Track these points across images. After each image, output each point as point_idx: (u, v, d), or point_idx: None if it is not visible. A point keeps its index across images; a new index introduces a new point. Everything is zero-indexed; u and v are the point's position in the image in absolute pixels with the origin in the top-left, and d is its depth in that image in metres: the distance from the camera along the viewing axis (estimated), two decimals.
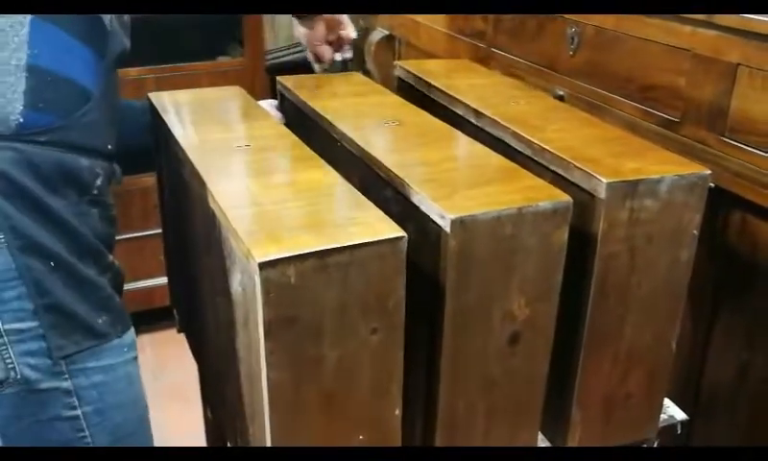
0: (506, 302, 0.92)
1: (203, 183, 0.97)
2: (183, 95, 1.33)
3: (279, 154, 1.08)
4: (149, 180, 1.42)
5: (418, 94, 1.40)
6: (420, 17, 1.95)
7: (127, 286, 2.63)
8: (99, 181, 1.04)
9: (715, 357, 1.28)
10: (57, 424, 1.01)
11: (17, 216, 0.93)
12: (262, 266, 0.76)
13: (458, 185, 0.94)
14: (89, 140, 1.01)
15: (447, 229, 0.85)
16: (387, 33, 2.13)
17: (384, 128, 1.16)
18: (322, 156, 1.05)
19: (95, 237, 1.03)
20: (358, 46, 2.39)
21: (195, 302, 1.25)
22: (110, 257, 1.08)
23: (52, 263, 0.96)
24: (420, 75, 1.40)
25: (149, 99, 1.31)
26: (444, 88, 1.32)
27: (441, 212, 0.86)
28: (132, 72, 2.24)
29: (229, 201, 0.91)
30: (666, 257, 1.02)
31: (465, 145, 1.11)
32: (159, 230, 1.50)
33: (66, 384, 1.00)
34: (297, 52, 2.94)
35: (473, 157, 1.07)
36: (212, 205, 0.93)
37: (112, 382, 1.05)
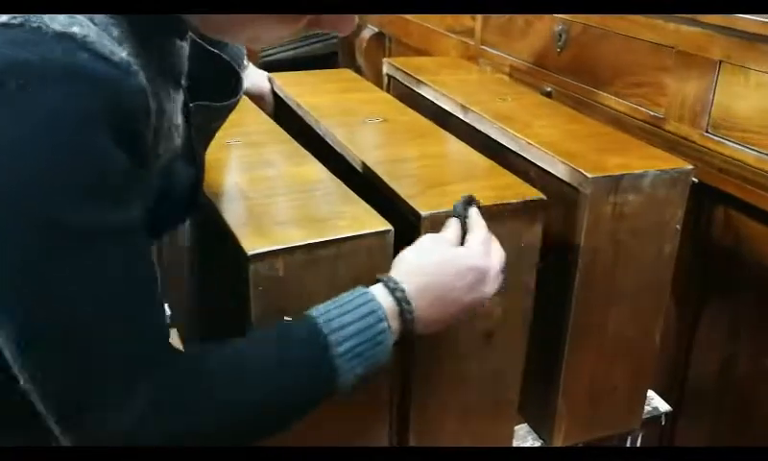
0: None
1: None
2: None
3: (269, 149, 1.09)
4: None
5: (406, 90, 1.42)
6: (409, 15, 1.96)
7: None
8: None
9: (700, 350, 1.30)
10: None
11: None
12: (251, 259, 0.78)
13: (433, 183, 0.96)
14: None
15: (420, 225, 0.86)
16: (377, 30, 2.14)
17: (368, 125, 1.18)
18: (311, 151, 1.06)
19: None
20: (349, 43, 2.40)
21: (187, 296, 1.26)
22: None
23: None
24: (409, 71, 1.42)
25: None
26: (431, 84, 1.34)
27: (412, 209, 0.88)
28: None
29: (220, 195, 0.92)
30: (650, 251, 1.04)
31: (446, 142, 1.12)
32: None
33: None
34: (291, 49, 2.95)
35: (453, 155, 1.09)
36: (203, 198, 0.94)
37: None
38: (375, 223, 0.85)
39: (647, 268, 1.05)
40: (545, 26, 1.47)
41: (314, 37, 2.97)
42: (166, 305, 1.47)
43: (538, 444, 1.14)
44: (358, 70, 2.24)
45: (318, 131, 1.17)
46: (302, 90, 1.33)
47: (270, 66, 2.85)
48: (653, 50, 1.26)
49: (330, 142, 1.12)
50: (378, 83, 1.51)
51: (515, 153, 1.09)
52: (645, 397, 1.17)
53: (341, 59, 2.80)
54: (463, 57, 1.72)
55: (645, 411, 1.19)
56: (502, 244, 0.88)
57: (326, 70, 1.48)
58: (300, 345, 0.69)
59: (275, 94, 1.42)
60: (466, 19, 1.73)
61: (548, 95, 1.47)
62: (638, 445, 1.23)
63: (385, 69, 1.50)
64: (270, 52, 2.96)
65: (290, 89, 1.33)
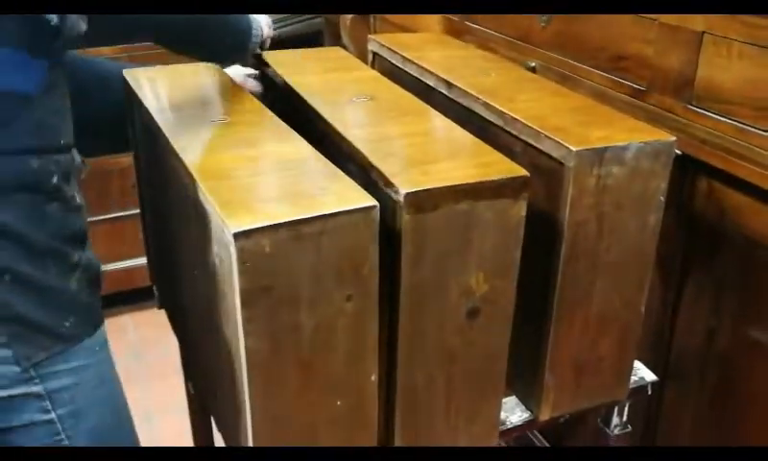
0: (463, 277, 0.94)
1: (178, 158, 0.98)
2: (158, 72, 1.34)
3: (254, 128, 1.09)
4: (126, 160, 1.42)
5: (392, 67, 1.42)
6: None
7: (107, 267, 2.63)
8: (55, 179, 0.98)
9: (684, 321, 1.31)
10: (33, 429, 1.00)
11: None
12: (237, 236, 0.78)
13: (417, 160, 0.96)
14: (36, 140, 0.96)
15: (401, 203, 0.87)
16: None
17: (355, 103, 1.18)
18: (297, 130, 1.06)
19: (55, 238, 0.99)
20: (334, 21, 2.39)
21: (174, 277, 1.26)
22: (77, 255, 1.03)
23: (6, 277, 0.93)
24: (394, 48, 1.41)
25: (123, 76, 1.32)
26: (416, 61, 1.34)
27: (395, 187, 0.88)
28: (106, 51, 2.22)
29: (205, 174, 0.92)
30: (634, 223, 1.05)
31: (431, 120, 1.12)
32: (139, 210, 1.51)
33: (38, 389, 0.98)
34: (280, 27, 2.94)
35: (437, 132, 1.09)
36: (188, 178, 0.94)
37: (84, 383, 1.03)
38: (361, 198, 0.85)
39: (631, 240, 1.06)
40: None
41: (298, 17, 2.96)
42: (154, 287, 1.47)
43: (526, 415, 1.15)
44: (343, 48, 2.23)
45: (304, 109, 1.17)
46: (290, 69, 1.33)
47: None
48: (635, 22, 1.26)
49: (317, 121, 1.12)
50: (364, 61, 1.51)
51: (498, 127, 1.09)
52: (631, 367, 1.19)
53: (326, 38, 2.79)
54: (447, 33, 1.72)
55: (632, 381, 1.20)
56: (486, 222, 0.89)
57: (316, 48, 1.48)
58: None
59: (262, 73, 1.42)
60: None
61: (532, 70, 1.47)
62: (626, 415, 1.25)
63: (370, 46, 1.50)
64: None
65: (278, 68, 1.33)
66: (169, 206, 1.15)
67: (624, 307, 1.10)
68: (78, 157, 1.07)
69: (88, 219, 1.08)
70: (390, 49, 1.43)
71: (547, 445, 1.67)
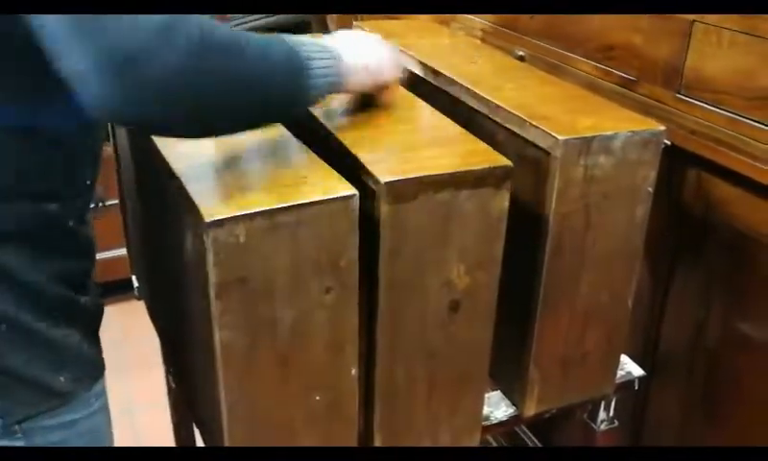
0: (444, 269, 0.91)
1: (155, 147, 0.95)
2: None
3: None
4: (109, 149, 1.40)
5: None
6: None
7: None
8: (71, 223, 0.88)
9: (672, 315, 1.30)
10: None
11: None
12: (210, 225, 0.75)
13: (397, 149, 0.93)
14: (60, 184, 0.85)
15: (380, 192, 0.84)
16: None
17: None
18: None
19: (61, 283, 0.87)
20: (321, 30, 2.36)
21: (153, 268, 1.23)
22: (83, 299, 0.91)
23: (3, 326, 0.81)
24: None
25: None
26: (402, 49, 1.31)
27: (374, 176, 0.85)
28: None
29: (180, 162, 0.89)
30: (621, 215, 1.03)
31: (415, 108, 1.10)
32: None
33: (21, 443, 0.86)
34: (263, 17, 2.90)
35: (421, 121, 1.06)
36: (163, 167, 0.91)
37: (74, 438, 0.90)
38: (340, 187, 0.83)
39: (619, 232, 1.04)
40: None
41: None
42: (134, 278, 1.44)
43: (511, 411, 1.13)
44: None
45: None
46: None
47: None
48: None
49: None
50: None
51: (484, 116, 1.07)
52: (618, 362, 1.17)
53: (313, 26, 2.76)
54: (434, 20, 1.69)
55: (618, 376, 1.18)
56: (468, 212, 0.86)
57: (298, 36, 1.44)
58: (282, 46, 0.80)
59: None
60: None
61: (521, 59, 1.45)
62: (612, 410, 1.23)
63: (355, 22, 1.47)
64: (241, 20, 2.91)
65: None
66: (147, 195, 1.12)
67: (611, 301, 1.08)
68: (100, 191, 0.96)
69: None
70: None
71: (535, 441, 1.65)
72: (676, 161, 1.19)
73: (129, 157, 1.27)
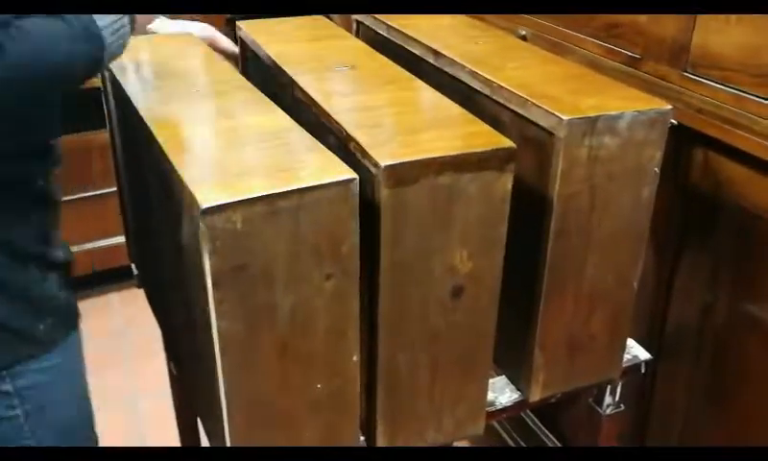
0: (446, 254, 0.89)
1: (150, 131, 0.93)
2: (136, 42, 1.28)
3: (230, 99, 1.04)
4: (106, 135, 1.38)
5: (376, 36, 1.36)
6: None
7: (91, 245, 2.57)
8: (40, 181, 0.97)
9: (679, 296, 1.28)
10: None
11: None
12: (206, 212, 0.73)
13: (397, 132, 0.91)
14: (25, 147, 0.94)
15: (380, 176, 0.82)
16: None
17: (336, 73, 1.13)
18: (276, 101, 1.01)
19: (38, 240, 0.96)
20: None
21: (152, 256, 1.22)
22: (56, 252, 1.00)
23: None
24: (379, 16, 1.36)
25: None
26: (402, 29, 1.28)
27: (374, 159, 0.83)
28: None
29: (177, 148, 0.88)
30: (627, 196, 1.01)
31: (416, 89, 1.07)
32: None
33: (7, 387, 0.96)
34: None
35: (422, 102, 1.04)
36: (159, 152, 0.89)
37: (54, 382, 1.00)
38: (340, 171, 0.81)
39: (625, 213, 1.02)
40: None
41: None
42: (133, 266, 1.43)
43: (516, 396, 1.11)
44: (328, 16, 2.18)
45: (283, 79, 1.12)
46: (271, 38, 1.27)
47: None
48: None
49: (296, 92, 1.07)
50: (349, 30, 1.46)
51: (486, 97, 1.05)
52: (624, 345, 1.15)
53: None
54: None
55: (625, 360, 1.16)
56: (470, 195, 0.84)
57: (299, 17, 1.42)
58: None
59: (241, 40, 1.36)
60: None
61: (523, 38, 1.42)
62: (618, 394, 1.21)
63: (354, 15, 1.45)
64: None
65: (258, 37, 1.28)
66: (145, 182, 1.11)
67: (617, 283, 1.06)
68: (58, 152, 1.01)
69: (72, 197, 1.04)
70: (374, 17, 1.37)
71: (540, 426, 1.64)
72: (682, 141, 1.17)
73: (124, 143, 1.25)
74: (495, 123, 0.95)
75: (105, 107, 1.33)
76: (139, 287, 1.41)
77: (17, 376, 0.96)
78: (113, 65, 1.14)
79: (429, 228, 0.87)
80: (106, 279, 2.57)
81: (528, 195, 0.97)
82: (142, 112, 0.98)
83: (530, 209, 0.98)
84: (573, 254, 1.00)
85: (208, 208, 0.73)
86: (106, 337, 2.41)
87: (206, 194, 0.75)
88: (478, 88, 1.06)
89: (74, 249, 1.10)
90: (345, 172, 0.80)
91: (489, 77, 1.04)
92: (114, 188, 1.47)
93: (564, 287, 1.02)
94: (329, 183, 0.78)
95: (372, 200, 0.84)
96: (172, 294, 1.06)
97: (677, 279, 1.28)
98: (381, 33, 1.35)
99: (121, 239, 2.27)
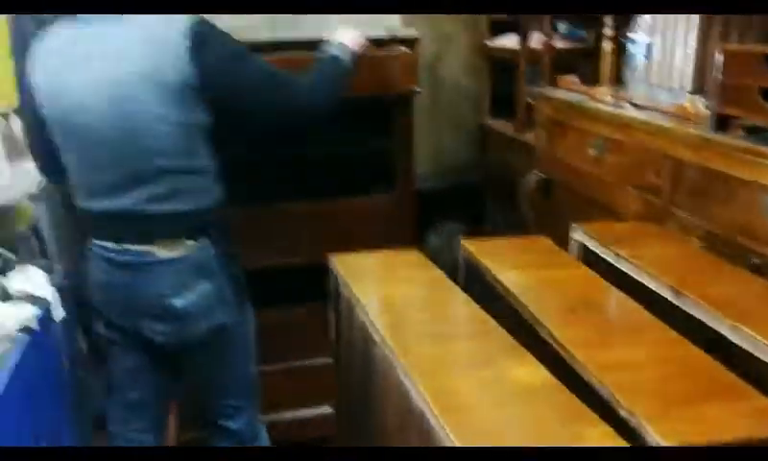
0: None
1: (407, 376, 0.95)
2: (366, 259, 1.34)
3: (481, 342, 1.05)
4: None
5: (603, 263, 1.35)
6: (580, 161, 1.90)
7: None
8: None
9: None
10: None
11: None
12: None
13: (670, 400, 0.88)
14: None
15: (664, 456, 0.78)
16: (544, 176, 2.10)
17: (577, 314, 1.11)
18: (514, 334, 1.02)
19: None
20: (512, 182, 2.37)
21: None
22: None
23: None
24: (605, 242, 1.35)
25: (329, 261, 1.35)
26: (632, 260, 1.27)
27: (654, 437, 0.79)
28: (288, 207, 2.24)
29: (441, 403, 0.87)
30: None
31: (671, 342, 1.03)
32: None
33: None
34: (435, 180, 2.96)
35: (683, 360, 0.99)
36: (421, 403, 0.89)
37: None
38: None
39: None
40: (751, 193, 1.37)
41: (463, 166, 2.96)
42: None
43: None
44: (521, 217, 2.21)
45: (524, 316, 1.12)
46: (498, 261, 1.29)
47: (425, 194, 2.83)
48: None
49: (540, 332, 1.06)
50: (542, 230, 1.46)
51: (750, 354, 0.99)
52: None
53: (486, 196, 2.77)
54: (646, 215, 1.64)
55: None
56: None
57: (520, 237, 1.44)
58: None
59: (465, 259, 1.39)
60: (649, 175, 1.66)
61: (757, 268, 1.36)
62: None
63: (573, 234, 1.45)
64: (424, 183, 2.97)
65: (484, 259, 1.30)
66: (377, 398, 1.11)
67: None
68: None
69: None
70: (599, 242, 1.36)
71: None
72: None
73: (354, 352, 1.27)
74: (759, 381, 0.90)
75: (333, 315, 1.38)
76: None
77: None
78: (352, 283, 1.19)
79: None
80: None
81: None
82: (394, 351, 1.00)
83: None
84: None
85: None
86: None
87: None
88: (739, 343, 1.01)
89: None
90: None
91: (754, 334, 0.99)
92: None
93: None
94: None
95: None
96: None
97: None
98: (608, 259, 1.34)
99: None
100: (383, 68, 1.93)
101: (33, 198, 1.71)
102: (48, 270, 1.54)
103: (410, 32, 2.11)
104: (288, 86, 1.31)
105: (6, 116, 1.71)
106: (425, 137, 2.95)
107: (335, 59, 1.40)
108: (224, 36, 1.25)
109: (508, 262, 1.30)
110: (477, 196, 2.93)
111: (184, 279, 1.29)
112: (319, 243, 1.93)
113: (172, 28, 1.20)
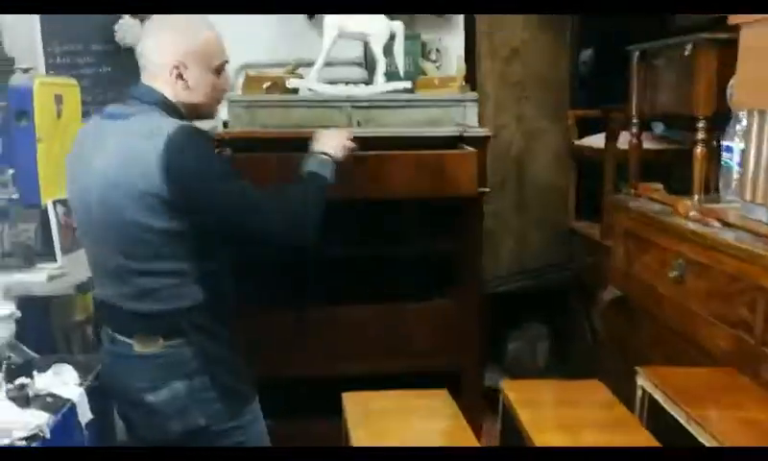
0: None
1: None
2: (383, 399, 1.19)
3: None
4: None
5: (670, 419, 1.12)
6: (659, 282, 1.67)
7: None
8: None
9: None
10: None
11: None
12: None
13: None
14: None
15: None
16: (620, 294, 1.86)
17: None
18: None
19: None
20: (589, 295, 2.15)
21: None
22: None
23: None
24: (672, 396, 1.13)
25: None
26: (704, 425, 1.04)
27: None
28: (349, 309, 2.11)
29: None
30: None
31: None
32: None
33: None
34: (520, 280, 2.79)
35: None
36: None
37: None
38: None
39: None
40: None
41: (549, 267, 2.77)
42: None
43: None
44: (595, 334, 1.98)
45: None
46: (537, 417, 1.09)
47: (499, 297, 2.68)
48: None
49: None
50: (616, 355, 1.25)
51: None
52: None
53: (572, 302, 2.55)
54: (736, 353, 1.40)
55: None
56: None
57: (571, 382, 1.24)
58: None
59: (504, 406, 1.20)
60: (741, 309, 1.42)
61: None
62: None
63: (640, 381, 1.23)
64: (499, 283, 2.79)
65: (522, 410, 1.11)
66: None
67: None
68: None
69: None
70: (667, 395, 1.14)
71: None
72: None
73: None
74: None
75: None
76: None
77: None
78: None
79: None
80: None
81: None
82: None
83: None
84: None
85: None
86: None
87: None
88: None
89: None
90: None
91: None
92: None
93: None
94: None
95: None
96: None
97: None
98: (677, 418, 1.11)
99: None
100: (444, 170, 1.78)
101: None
102: (84, 368, 1.54)
103: (481, 130, 1.97)
104: (259, 211, 1.30)
105: (64, 204, 1.78)
106: (511, 233, 2.81)
107: (312, 176, 1.43)
108: (203, 152, 1.27)
109: (549, 421, 1.09)
110: (564, 299, 2.72)
111: (158, 376, 1.32)
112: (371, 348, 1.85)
113: (153, 137, 1.23)
